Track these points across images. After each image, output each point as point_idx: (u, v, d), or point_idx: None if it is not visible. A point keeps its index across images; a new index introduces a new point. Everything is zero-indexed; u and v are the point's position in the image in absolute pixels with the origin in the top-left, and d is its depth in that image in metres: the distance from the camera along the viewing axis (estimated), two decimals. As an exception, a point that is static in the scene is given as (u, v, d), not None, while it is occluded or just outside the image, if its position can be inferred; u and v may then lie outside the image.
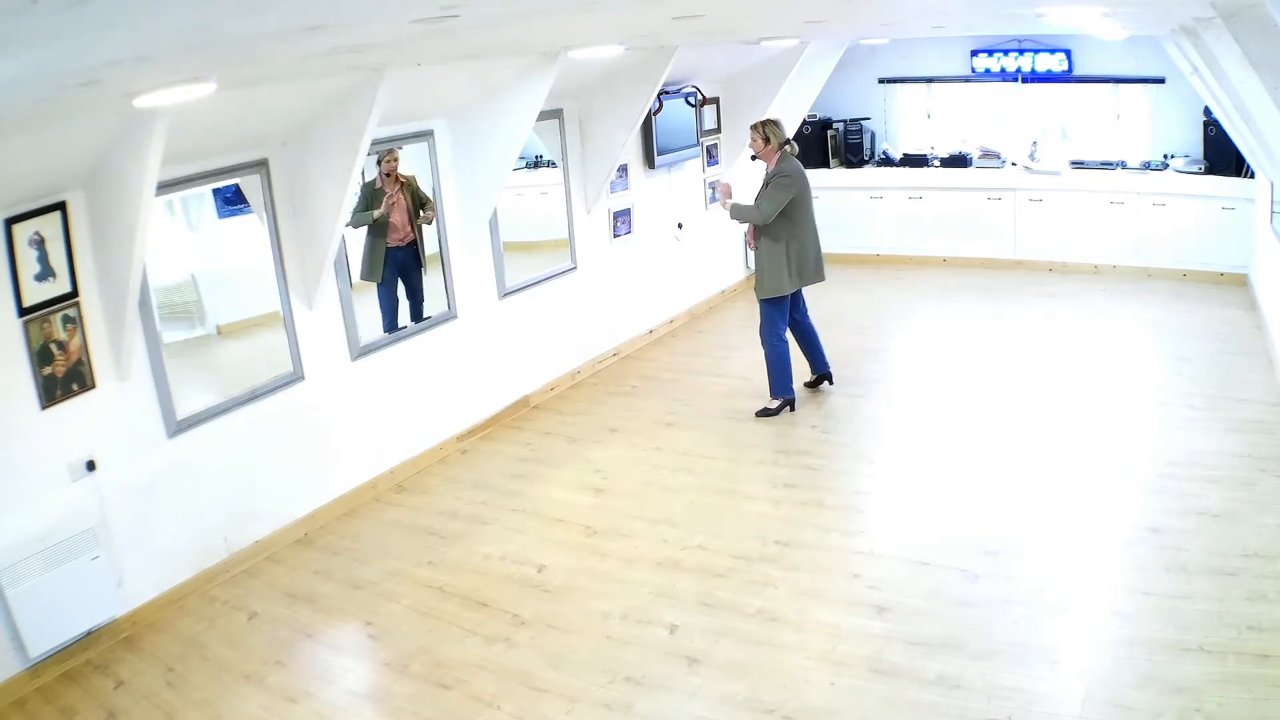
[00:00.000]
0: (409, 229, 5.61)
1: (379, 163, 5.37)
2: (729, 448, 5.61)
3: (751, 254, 6.07)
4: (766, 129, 5.76)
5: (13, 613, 3.69)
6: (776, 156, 5.75)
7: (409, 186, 5.54)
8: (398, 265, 5.61)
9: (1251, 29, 3.11)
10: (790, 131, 9.27)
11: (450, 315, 5.83)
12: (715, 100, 8.29)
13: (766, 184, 5.71)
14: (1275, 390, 5.77)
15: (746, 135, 8.37)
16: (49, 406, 3.83)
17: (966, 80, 9.20)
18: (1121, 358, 6.68)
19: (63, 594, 3.81)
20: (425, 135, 5.55)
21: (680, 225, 8.05)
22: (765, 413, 5.97)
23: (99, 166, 3.72)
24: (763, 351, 5.97)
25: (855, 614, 3.88)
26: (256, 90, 3.93)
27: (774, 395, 6.00)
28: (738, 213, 5.81)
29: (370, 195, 5.40)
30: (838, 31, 7.15)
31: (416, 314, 5.69)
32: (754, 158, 5.96)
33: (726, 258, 8.91)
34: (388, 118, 4.73)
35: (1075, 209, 8.71)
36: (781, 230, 5.72)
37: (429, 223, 5.64)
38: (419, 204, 5.60)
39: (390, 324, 5.53)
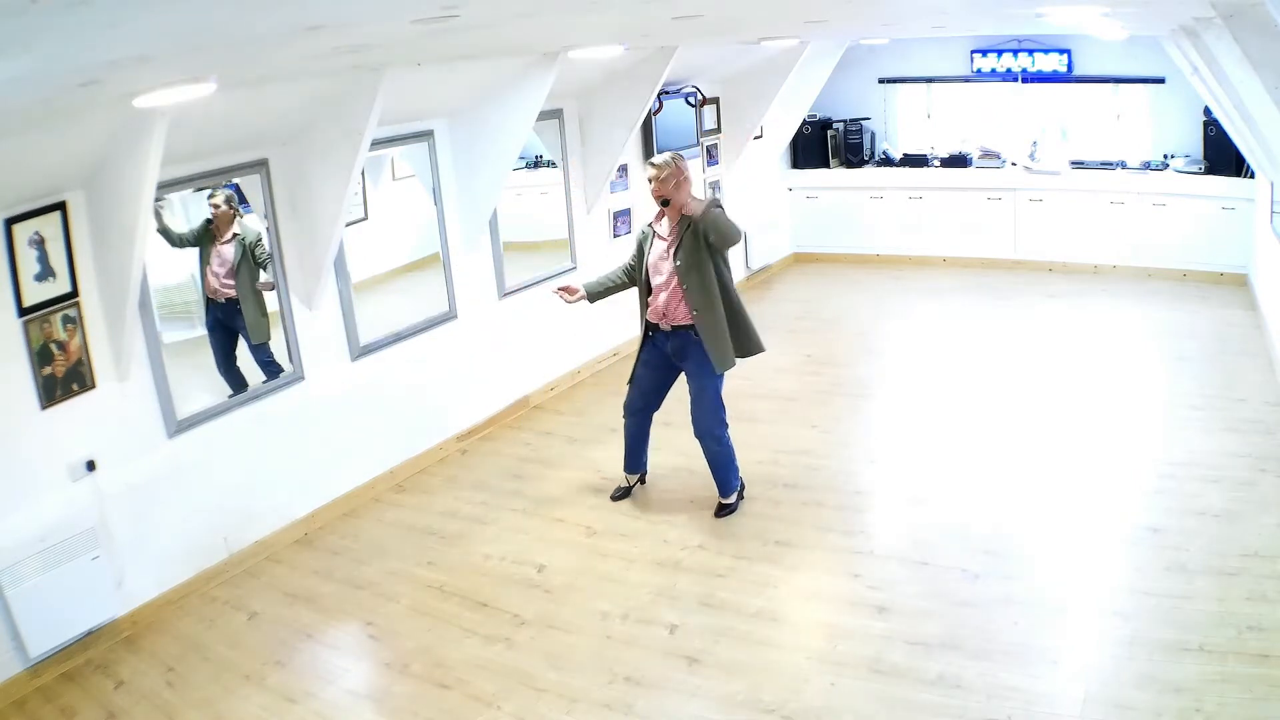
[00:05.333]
0: (227, 285, 4.86)
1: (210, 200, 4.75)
2: (729, 448, 5.61)
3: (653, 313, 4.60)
4: (679, 163, 4.44)
5: (13, 613, 3.69)
6: (690, 199, 4.47)
7: (244, 241, 4.81)
8: (217, 321, 4.90)
9: (1251, 29, 3.10)
10: (790, 131, 9.32)
11: (450, 315, 5.83)
12: (715, 100, 8.30)
13: (694, 221, 4.36)
14: (1275, 390, 5.77)
15: (737, 137, 8.51)
16: (49, 406, 3.83)
17: (966, 80, 9.20)
18: (1121, 358, 6.68)
19: (63, 594, 3.81)
20: (425, 135, 5.55)
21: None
22: (728, 510, 4.81)
23: (99, 166, 3.72)
24: (712, 452, 4.75)
25: (855, 614, 3.87)
26: (256, 90, 3.93)
27: (733, 490, 4.83)
28: (715, 221, 4.32)
29: (201, 233, 4.84)
30: (838, 31, 7.15)
31: (233, 384, 4.82)
32: (665, 203, 4.43)
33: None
34: (388, 118, 4.73)
35: (1075, 209, 8.71)
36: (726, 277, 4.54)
37: (268, 289, 4.83)
38: (257, 263, 4.83)
39: (228, 382, 4.79)
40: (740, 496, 4.90)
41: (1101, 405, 5.80)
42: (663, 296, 4.53)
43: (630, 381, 4.89)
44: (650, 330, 4.68)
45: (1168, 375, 6.27)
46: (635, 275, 4.72)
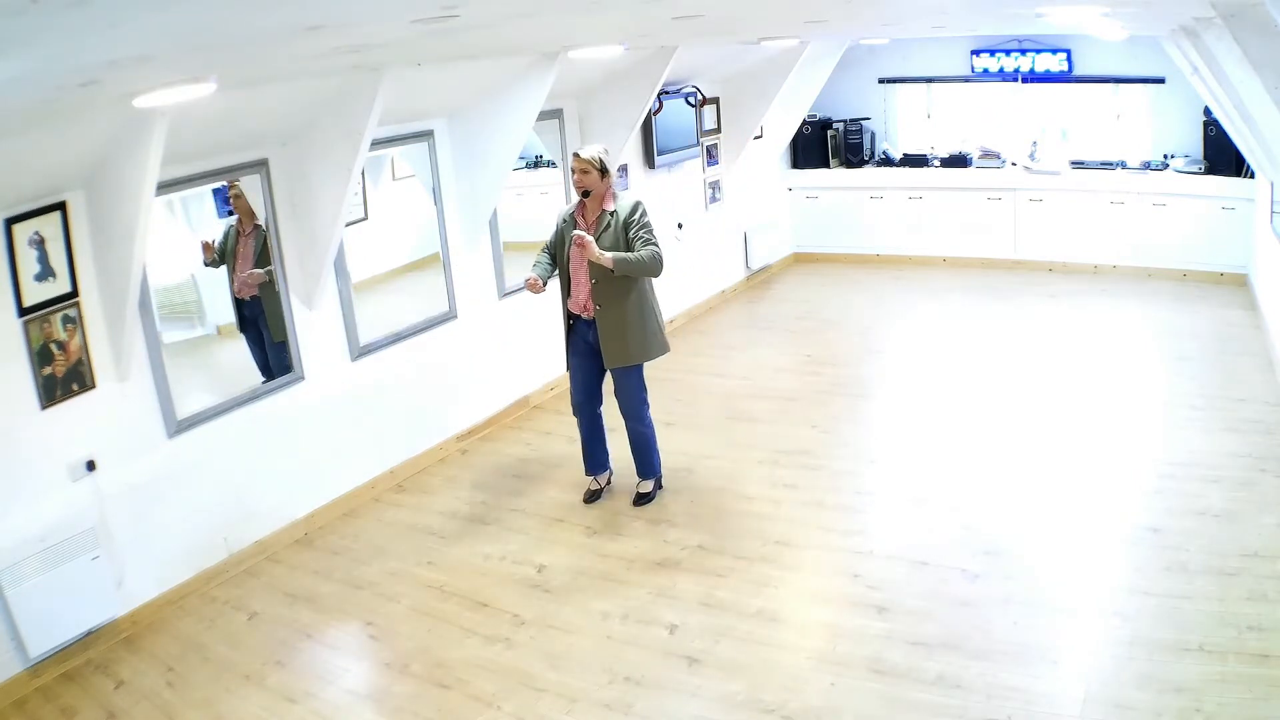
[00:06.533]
0: (249, 282, 4.80)
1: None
2: (729, 448, 5.61)
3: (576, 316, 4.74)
4: (604, 158, 4.53)
5: (13, 613, 3.69)
6: (610, 192, 4.61)
7: (263, 231, 4.74)
8: (247, 321, 4.91)
9: (1251, 29, 3.10)
10: (790, 131, 9.32)
11: (450, 315, 5.83)
12: (715, 100, 8.30)
13: (626, 225, 4.51)
14: (1275, 390, 5.77)
15: (737, 137, 8.50)
16: (49, 406, 3.83)
17: (966, 80, 9.20)
18: (1121, 358, 6.68)
19: (63, 594, 3.81)
20: (425, 135, 5.55)
21: (680, 225, 8.06)
22: (646, 499, 4.95)
23: (99, 166, 3.72)
24: (635, 433, 4.87)
25: (855, 614, 3.87)
26: (256, 90, 3.94)
27: (652, 474, 4.99)
28: (627, 266, 4.44)
29: (229, 236, 4.78)
30: (838, 31, 7.15)
31: (265, 373, 4.86)
32: (585, 194, 4.54)
33: (726, 258, 8.91)
34: (388, 118, 4.73)
35: (1075, 209, 8.71)
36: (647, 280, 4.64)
37: (260, 280, 4.77)
38: (267, 256, 4.78)
39: (264, 373, 4.86)
40: (658, 486, 5.02)
41: (1102, 405, 5.80)
42: (582, 289, 4.62)
43: (569, 379, 4.93)
44: (571, 320, 4.76)
45: (1168, 375, 6.27)
46: (555, 259, 4.77)
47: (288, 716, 3.55)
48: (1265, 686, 3.21)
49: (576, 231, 4.44)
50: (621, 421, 4.94)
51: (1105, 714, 3.15)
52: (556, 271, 4.78)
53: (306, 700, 3.63)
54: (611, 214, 4.56)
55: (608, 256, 4.40)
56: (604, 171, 4.51)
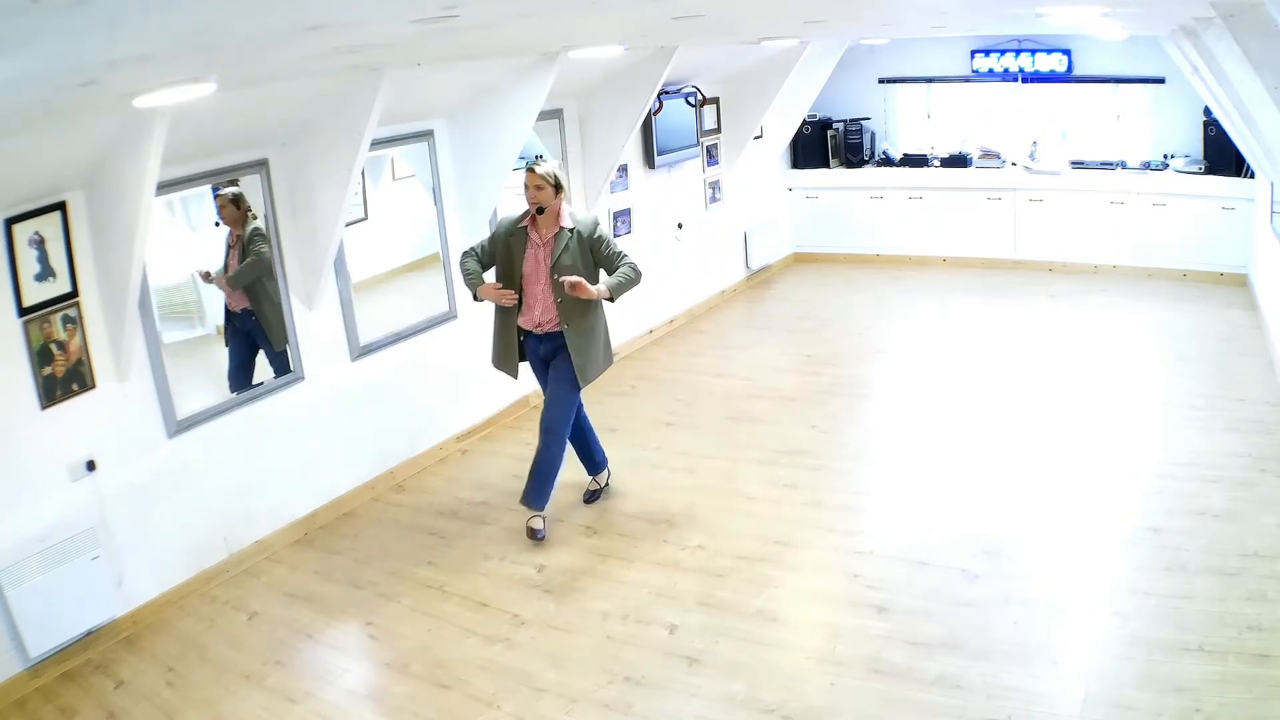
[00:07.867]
0: (239, 292, 4.78)
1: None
2: (729, 448, 5.61)
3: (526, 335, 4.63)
4: (559, 174, 4.41)
5: (13, 613, 3.69)
6: (564, 208, 4.48)
7: (242, 238, 4.65)
8: (236, 331, 4.83)
9: (1251, 29, 3.11)
10: (790, 131, 9.32)
11: (450, 315, 5.83)
12: (715, 100, 8.30)
13: (593, 244, 4.46)
14: (1275, 390, 5.77)
15: (737, 137, 8.49)
16: (49, 406, 3.83)
17: (966, 80, 9.20)
18: (1121, 358, 6.68)
19: (63, 594, 3.81)
20: (425, 135, 5.55)
21: (680, 225, 8.06)
22: (594, 497, 4.99)
23: (99, 166, 3.72)
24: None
25: (855, 614, 3.87)
26: (256, 90, 3.94)
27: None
28: (623, 291, 4.46)
29: (229, 251, 4.77)
30: (838, 31, 7.15)
31: (239, 390, 4.74)
32: (540, 211, 4.40)
33: (726, 258, 8.91)
34: (388, 118, 4.73)
35: (1075, 209, 8.71)
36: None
37: (208, 280, 4.70)
38: (245, 256, 4.68)
39: (234, 384, 4.73)
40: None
41: (1101, 405, 5.80)
42: (538, 306, 4.50)
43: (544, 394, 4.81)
44: (522, 335, 4.64)
45: (1168, 375, 6.27)
46: (485, 265, 4.62)
47: (288, 716, 3.55)
48: (1265, 686, 3.21)
49: (570, 278, 4.30)
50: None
51: (1105, 714, 3.15)
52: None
53: (306, 700, 3.63)
54: (571, 231, 4.44)
55: (606, 290, 4.39)
56: (558, 188, 4.39)
